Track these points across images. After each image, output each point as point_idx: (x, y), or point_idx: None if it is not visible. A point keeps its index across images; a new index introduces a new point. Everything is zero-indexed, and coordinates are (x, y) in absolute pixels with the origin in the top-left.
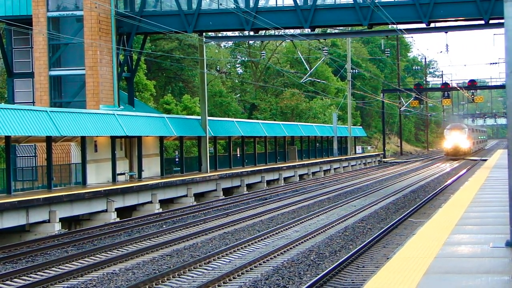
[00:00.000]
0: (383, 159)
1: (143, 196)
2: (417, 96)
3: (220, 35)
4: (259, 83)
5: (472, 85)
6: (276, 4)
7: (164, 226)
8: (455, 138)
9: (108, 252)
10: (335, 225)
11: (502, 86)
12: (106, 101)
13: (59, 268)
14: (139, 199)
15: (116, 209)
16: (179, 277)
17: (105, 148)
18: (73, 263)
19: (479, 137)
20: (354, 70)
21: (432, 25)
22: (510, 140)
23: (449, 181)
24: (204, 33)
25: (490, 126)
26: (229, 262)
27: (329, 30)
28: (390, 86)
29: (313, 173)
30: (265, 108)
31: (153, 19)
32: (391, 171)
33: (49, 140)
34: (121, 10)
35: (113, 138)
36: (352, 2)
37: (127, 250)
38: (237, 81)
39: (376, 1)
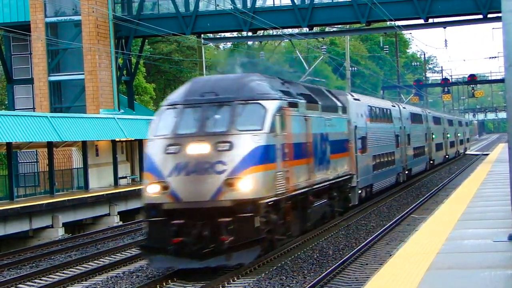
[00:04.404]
0: None
1: None
2: (417, 92)
3: (218, 36)
4: None
5: (472, 79)
6: (274, 4)
7: None
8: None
9: (112, 256)
10: (338, 223)
11: (502, 80)
12: (106, 105)
13: (63, 273)
14: (141, 202)
15: (119, 213)
16: (182, 279)
17: (106, 152)
18: (77, 267)
19: (442, 133)
20: (353, 68)
21: (430, 20)
22: (510, 134)
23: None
24: (202, 35)
25: (491, 120)
26: None
27: (327, 29)
28: (390, 83)
29: None
30: None
31: (151, 22)
32: None
33: (50, 145)
34: (119, 14)
35: (114, 142)
36: (350, 0)
37: (131, 253)
38: None
39: None
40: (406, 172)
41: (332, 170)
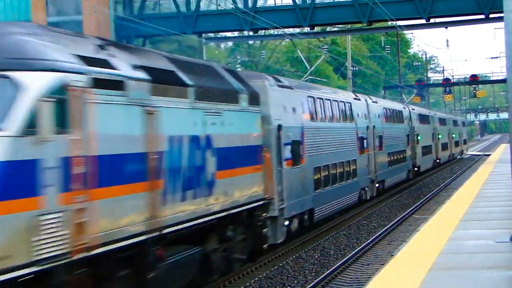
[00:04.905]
0: None
1: None
2: (418, 92)
3: (219, 36)
4: None
5: (474, 80)
6: (275, 4)
7: None
8: None
9: None
10: (339, 223)
11: (504, 81)
12: None
13: None
14: None
15: None
16: None
17: None
18: None
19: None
20: (354, 68)
21: (431, 20)
22: None
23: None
24: (203, 34)
25: (493, 121)
26: None
27: (328, 28)
28: (391, 83)
29: None
30: None
31: (152, 22)
32: None
33: None
34: (120, 13)
35: None
36: (351, 0)
37: None
38: None
39: None
40: (377, 185)
41: (221, 196)
